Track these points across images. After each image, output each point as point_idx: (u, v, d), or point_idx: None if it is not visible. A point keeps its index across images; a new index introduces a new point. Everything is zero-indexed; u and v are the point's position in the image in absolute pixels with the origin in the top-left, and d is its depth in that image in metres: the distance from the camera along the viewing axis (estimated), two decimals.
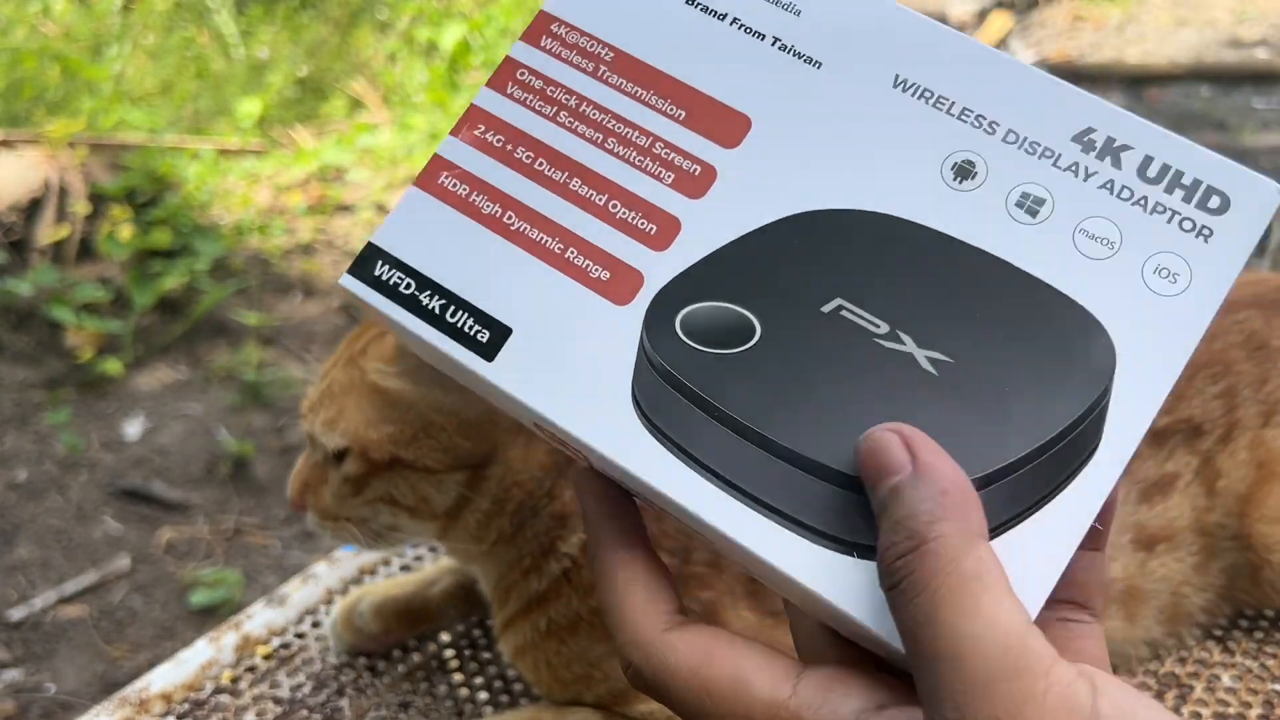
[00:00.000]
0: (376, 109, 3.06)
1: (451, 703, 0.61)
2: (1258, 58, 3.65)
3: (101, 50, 3.07)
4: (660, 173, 0.31)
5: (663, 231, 0.30)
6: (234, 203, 2.55)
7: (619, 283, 0.30)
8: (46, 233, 2.23)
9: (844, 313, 0.29)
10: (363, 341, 0.55)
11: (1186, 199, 0.29)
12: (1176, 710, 0.57)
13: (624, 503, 0.33)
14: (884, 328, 0.29)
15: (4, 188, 2.23)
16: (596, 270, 0.30)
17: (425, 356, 0.32)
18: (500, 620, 0.56)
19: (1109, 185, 0.29)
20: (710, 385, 0.28)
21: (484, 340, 0.29)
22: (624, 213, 0.30)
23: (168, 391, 2.03)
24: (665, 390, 0.28)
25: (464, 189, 0.31)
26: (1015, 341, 0.28)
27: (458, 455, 0.52)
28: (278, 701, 0.61)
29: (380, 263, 0.30)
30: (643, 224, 0.30)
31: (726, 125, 0.31)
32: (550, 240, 0.30)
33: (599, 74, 0.32)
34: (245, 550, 1.69)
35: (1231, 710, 0.56)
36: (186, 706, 0.61)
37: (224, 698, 0.61)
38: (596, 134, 0.31)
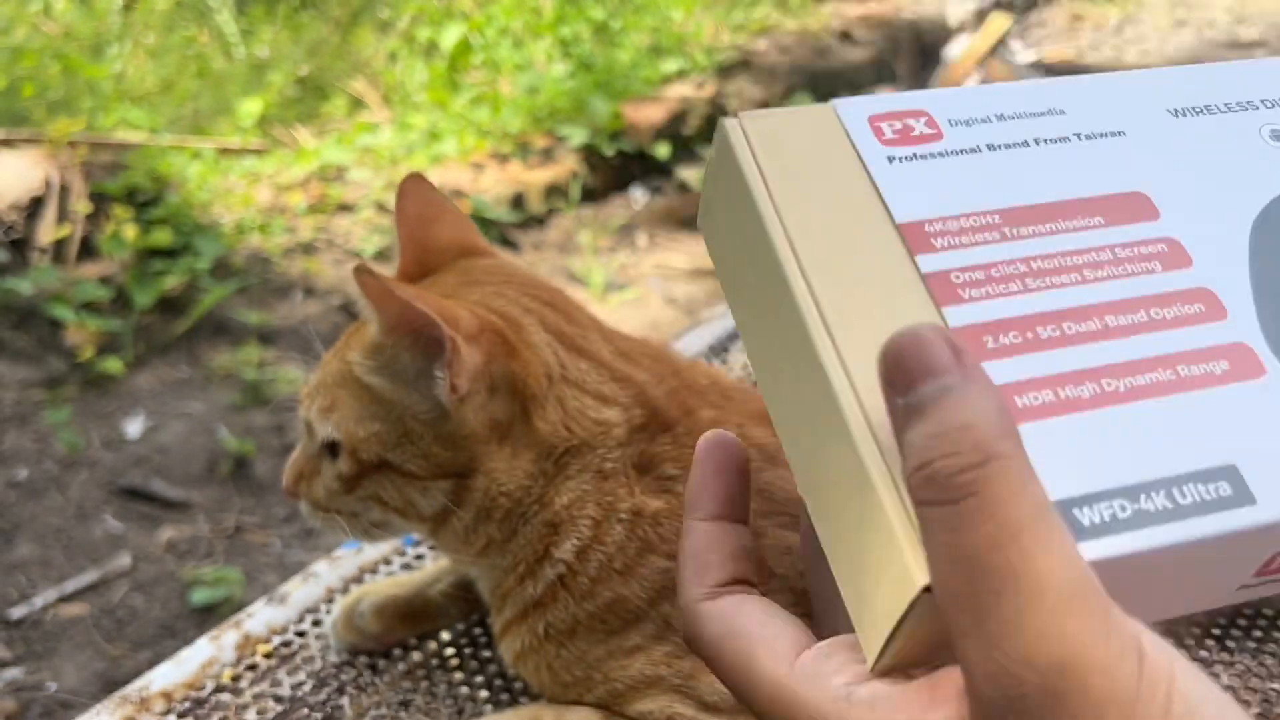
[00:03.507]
0: (377, 108, 3.06)
1: (452, 701, 0.61)
2: (1256, 58, 3.64)
3: (102, 49, 3.07)
4: (1145, 267, 0.30)
5: (1208, 304, 0.30)
6: (235, 202, 2.55)
7: (1240, 360, 0.29)
8: (47, 232, 2.23)
9: None
10: (357, 333, 0.55)
11: None
12: None
13: (726, 478, 0.33)
14: None
15: (5, 187, 2.23)
16: (1211, 367, 0.29)
17: (1184, 583, 0.28)
18: (499, 625, 0.56)
19: None
20: None
21: (1229, 493, 0.27)
22: (1166, 313, 0.30)
23: (168, 390, 2.03)
24: None
25: (1043, 395, 0.28)
26: None
27: (439, 463, 0.52)
28: (278, 700, 0.61)
29: (1082, 510, 0.26)
30: (1189, 309, 0.30)
31: (1136, 206, 0.32)
32: (1154, 375, 0.28)
33: (1010, 235, 0.31)
34: (246, 549, 1.69)
35: None
36: (187, 705, 0.61)
37: (225, 696, 0.61)
38: (1071, 276, 0.30)
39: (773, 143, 0.31)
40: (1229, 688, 0.58)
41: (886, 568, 0.26)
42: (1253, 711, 0.57)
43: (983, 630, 0.23)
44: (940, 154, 0.32)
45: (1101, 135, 0.33)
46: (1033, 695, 0.23)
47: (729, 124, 0.32)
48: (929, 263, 0.30)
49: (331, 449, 0.54)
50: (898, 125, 0.32)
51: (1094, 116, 0.34)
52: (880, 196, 0.31)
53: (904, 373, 0.25)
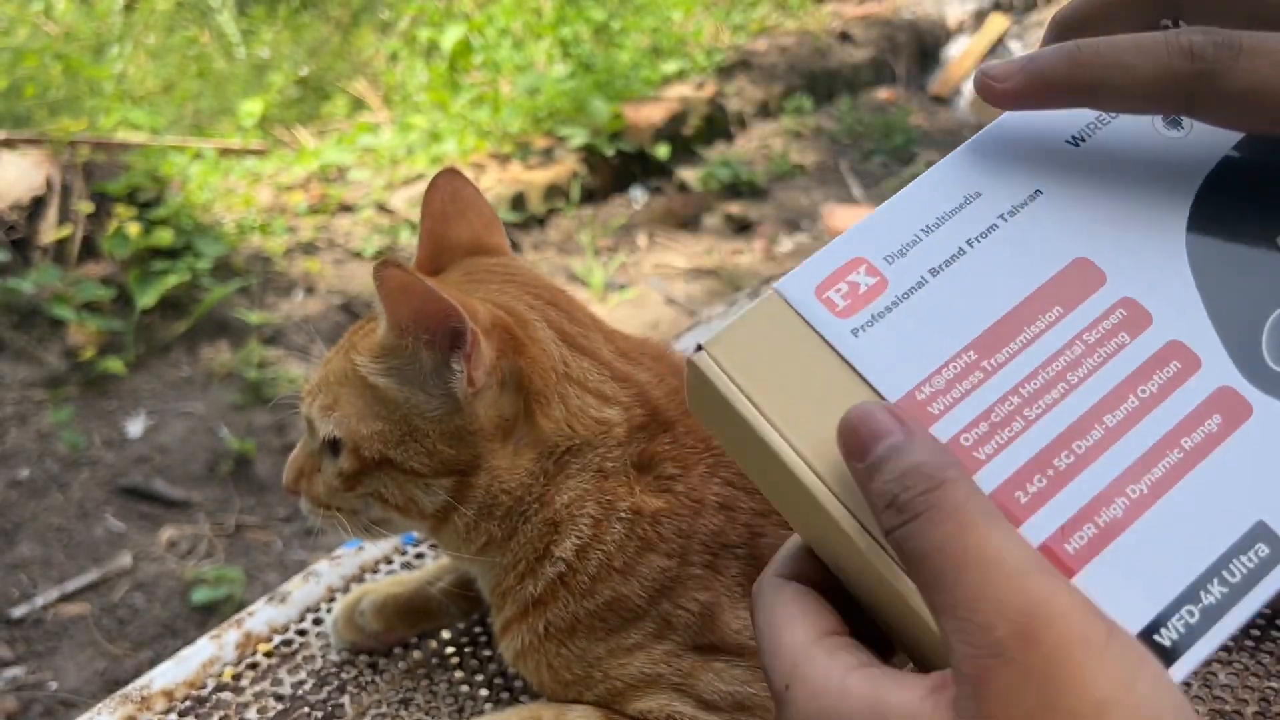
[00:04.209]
0: (377, 109, 3.06)
1: (452, 699, 0.61)
2: None
3: (103, 50, 3.07)
4: (1116, 344, 0.31)
5: (1182, 357, 0.31)
6: (235, 202, 2.56)
7: (1228, 407, 0.30)
8: (49, 232, 2.23)
9: None
10: (362, 332, 0.55)
11: None
12: None
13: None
14: None
15: (7, 187, 2.23)
16: (1208, 427, 0.30)
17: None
18: (499, 623, 0.56)
19: None
20: None
21: (1268, 552, 0.28)
22: (1151, 386, 0.30)
23: (169, 390, 2.03)
24: None
25: (1088, 531, 0.29)
26: None
27: (442, 461, 0.52)
28: (279, 699, 0.61)
29: (1161, 634, 0.28)
30: (1167, 371, 0.31)
31: (1083, 276, 0.32)
32: (1166, 461, 0.29)
33: (990, 367, 0.31)
34: (246, 548, 1.70)
35: (1228, 707, 0.57)
36: (188, 704, 0.61)
37: (225, 695, 0.62)
38: (1059, 387, 0.31)
39: (744, 361, 0.32)
40: (1226, 685, 0.59)
41: (914, 628, 0.30)
42: (1250, 710, 0.57)
43: (954, 602, 0.27)
44: (894, 304, 0.32)
45: (1022, 205, 0.34)
46: (1006, 640, 0.25)
47: (699, 359, 0.32)
48: (938, 434, 0.30)
49: (333, 446, 0.54)
50: (844, 289, 0.32)
51: (1007, 184, 0.34)
52: (861, 377, 0.31)
53: (859, 441, 0.30)
